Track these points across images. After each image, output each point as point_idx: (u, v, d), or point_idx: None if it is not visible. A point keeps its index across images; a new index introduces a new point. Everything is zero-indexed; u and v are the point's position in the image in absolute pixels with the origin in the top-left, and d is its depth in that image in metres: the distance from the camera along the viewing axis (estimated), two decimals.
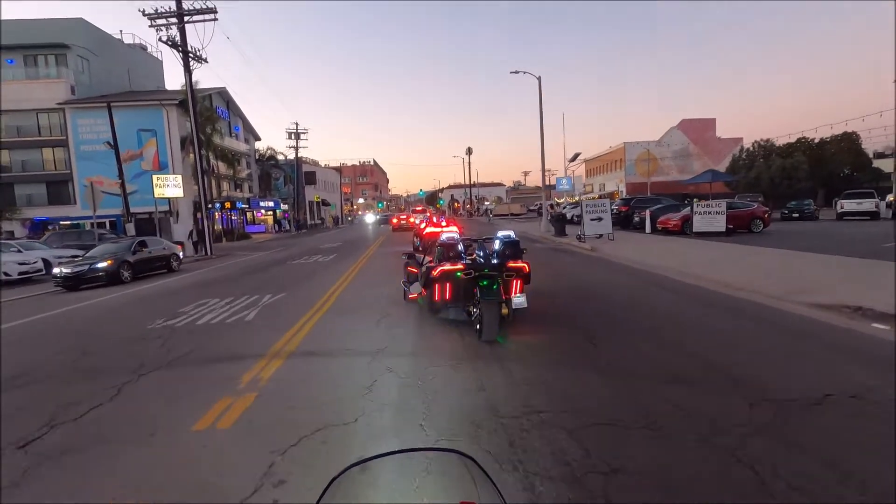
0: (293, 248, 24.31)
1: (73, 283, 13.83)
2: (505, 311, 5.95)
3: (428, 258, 7.73)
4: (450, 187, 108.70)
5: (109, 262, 14.33)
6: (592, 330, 6.10)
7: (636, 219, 24.30)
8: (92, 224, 22.48)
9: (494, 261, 6.33)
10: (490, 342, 5.63)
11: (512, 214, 58.87)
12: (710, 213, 18.55)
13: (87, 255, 15.43)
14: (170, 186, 25.00)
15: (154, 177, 25.11)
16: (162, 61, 48.45)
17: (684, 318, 6.76)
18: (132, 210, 27.36)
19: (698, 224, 18.53)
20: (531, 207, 62.85)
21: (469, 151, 69.34)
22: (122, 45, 42.96)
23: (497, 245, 6.76)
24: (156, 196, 24.30)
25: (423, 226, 15.39)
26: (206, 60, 25.57)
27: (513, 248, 6.51)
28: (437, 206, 71.95)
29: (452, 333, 6.28)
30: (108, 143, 24.16)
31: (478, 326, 5.79)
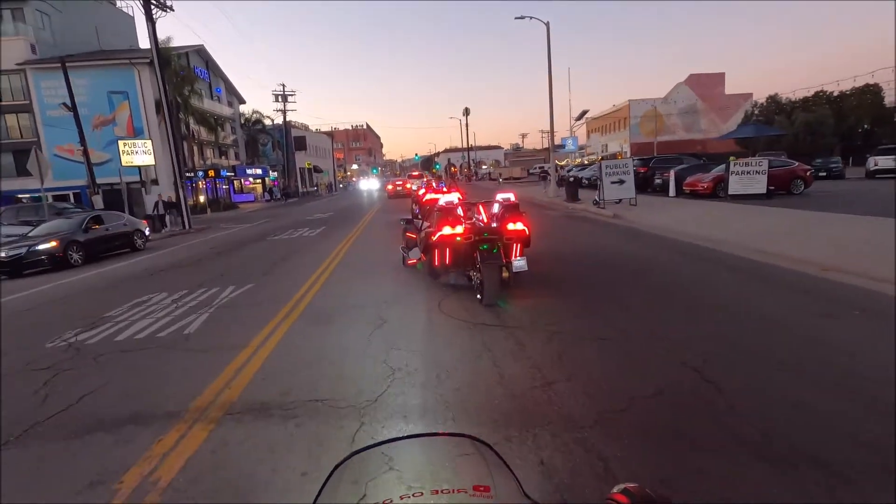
0: (279, 220, 21.98)
1: (11, 269, 11.67)
2: (506, 274, 5.95)
3: (426, 223, 7.46)
4: (446, 151, 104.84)
5: (54, 242, 12.12)
6: (695, 356, 4.01)
7: (657, 181, 21.97)
8: (45, 198, 20.01)
9: (494, 224, 6.28)
10: (492, 305, 5.60)
11: (513, 178, 56.18)
12: (749, 172, 16.27)
13: (30, 234, 13.20)
14: (139, 153, 22.38)
15: (120, 142, 22.45)
16: (133, 17, 44.50)
17: (799, 324, 4.69)
18: (106, 181, 24.85)
19: (735, 185, 16.27)
20: (531, 170, 60.10)
21: (466, 112, 65.34)
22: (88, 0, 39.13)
23: (496, 208, 6.66)
24: (123, 164, 21.76)
25: (421, 192, 13.49)
26: (171, 9, 22.55)
27: (512, 212, 6.40)
28: (434, 170, 68.69)
29: (483, 362, 4.13)
30: (66, 104, 21.39)
31: (479, 291, 5.76)
